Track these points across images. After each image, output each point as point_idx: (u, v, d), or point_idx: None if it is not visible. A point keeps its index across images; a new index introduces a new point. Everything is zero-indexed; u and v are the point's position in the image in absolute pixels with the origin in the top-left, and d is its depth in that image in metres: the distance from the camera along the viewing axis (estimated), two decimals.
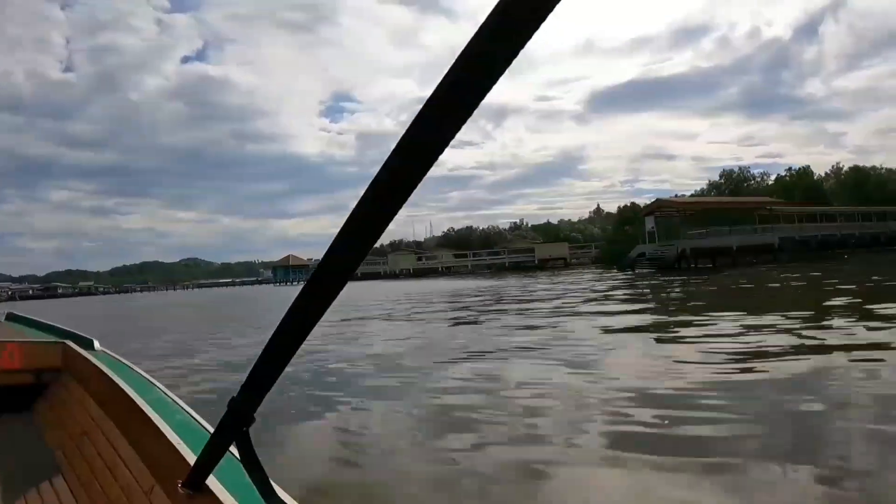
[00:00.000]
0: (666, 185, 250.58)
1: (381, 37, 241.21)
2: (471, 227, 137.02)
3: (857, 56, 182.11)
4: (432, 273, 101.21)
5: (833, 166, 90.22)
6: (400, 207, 0.92)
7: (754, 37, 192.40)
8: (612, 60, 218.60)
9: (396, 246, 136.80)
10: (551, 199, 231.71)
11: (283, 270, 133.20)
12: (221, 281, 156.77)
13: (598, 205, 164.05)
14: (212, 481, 1.43)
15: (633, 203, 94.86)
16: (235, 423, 1.24)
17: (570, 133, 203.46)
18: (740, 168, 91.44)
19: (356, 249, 0.95)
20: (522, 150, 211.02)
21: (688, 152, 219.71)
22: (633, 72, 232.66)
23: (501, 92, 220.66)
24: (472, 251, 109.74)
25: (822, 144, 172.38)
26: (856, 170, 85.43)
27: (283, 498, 1.32)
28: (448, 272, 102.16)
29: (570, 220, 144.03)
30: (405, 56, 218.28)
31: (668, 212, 65.05)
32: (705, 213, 63.77)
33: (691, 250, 54.96)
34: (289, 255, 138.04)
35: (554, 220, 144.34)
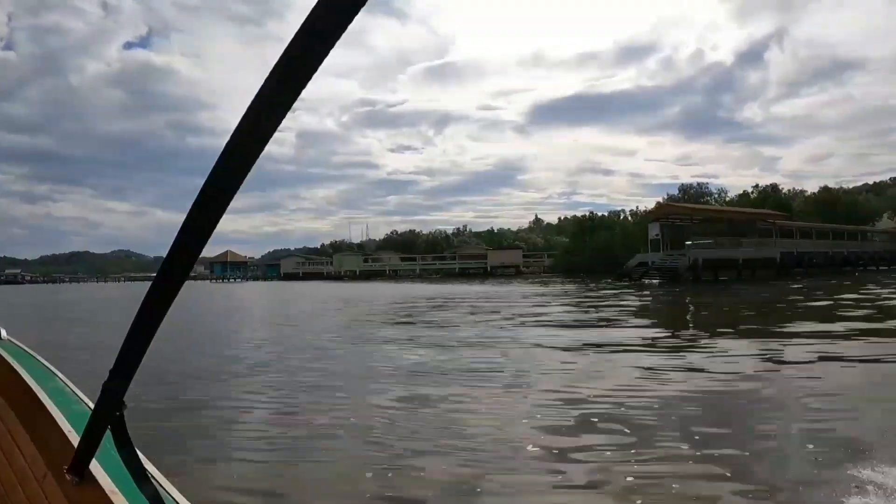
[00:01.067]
0: (603, 200, 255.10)
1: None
2: (414, 230, 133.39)
3: (796, 84, 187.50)
4: (378, 276, 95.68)
5: (768, 186, 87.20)
6: (236, 191, 0.93)
7: (698, 59, 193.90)
8: (559, 74, 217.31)
9: (338, 247, 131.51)
10: (488, 208, 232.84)
11: (221, 266, 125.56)
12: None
13: (537, 215, 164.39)
14: (95, 466, 1.41)
15: (591, 212, 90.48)
16: (108, 409, 1.26)
17: (511, 143, 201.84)
18: (699, 184, 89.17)
19: (200, 235, 0.97)
20: (463, 158, 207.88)
21: (625, 168, 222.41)
22: (578, 86, 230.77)
23: (446, 99, 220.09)
24: (420, 255, 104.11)
25: (756, 168, 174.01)
26: (826, 190, 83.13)
27: (159, 481, 1.38)
28: (395, 275, 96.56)
29: (509, 228, 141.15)
30: (350, 57, 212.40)
31: (675, 218, 60.32)
32: (709, 222, 59.79)
33: (703, 261, 50.39)
34: (227, 252, 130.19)
35: (485, 229, 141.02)
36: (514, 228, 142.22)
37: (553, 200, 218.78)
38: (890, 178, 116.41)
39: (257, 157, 0.88)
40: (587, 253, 78.34)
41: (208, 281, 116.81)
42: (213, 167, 0.90)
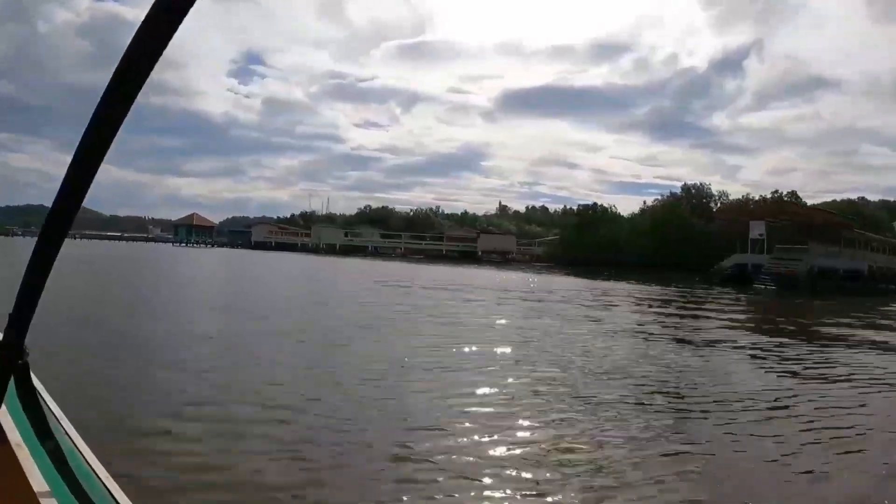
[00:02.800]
0: (565, 193, 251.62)
1: (307, 2, 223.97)
2: (387, 206, 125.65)
3: (766, 97, 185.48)
4: (359, 252, 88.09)
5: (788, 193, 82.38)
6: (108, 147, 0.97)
7: (672, 63, 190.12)
8: (531, 63, 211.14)
9: (309, 218, 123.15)
10: (450, 191, 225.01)
11: (186, 229, 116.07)
12: (110, 234, 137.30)
13: (500, 202, 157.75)
14: (3, 415, 1.36)
15: (595, 203, 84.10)
16: (8, 357, 1.24)
17: (477, 128, 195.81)
18: (700, 183, 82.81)
19: (83, 183, 1.00)
20: (428, 139, 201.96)
21: (590, 164, 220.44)
22: (549, 78, 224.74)
23: (416, 78, 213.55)
24: (406, 233, 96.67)
25: (718, 175, 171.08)
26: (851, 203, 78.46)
27: (69, 433, 1.34)
28: (376, 253, 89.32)
29: (474, 213, 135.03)
30: (325, 27, 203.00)
31: (783, 218, 52.94)
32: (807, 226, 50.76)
33: (822, 270, 43.61)
34: (193, 214, 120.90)
35: (449, 212, 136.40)
36: (480, 213, 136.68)
37: (515, 189, 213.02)
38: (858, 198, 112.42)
39: (131, 103, 0.90)
40: (589, 246, 72.36)
41: (171, 245, 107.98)
42: (92, 117, 0.91)
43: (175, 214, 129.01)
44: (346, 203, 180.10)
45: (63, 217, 1.03)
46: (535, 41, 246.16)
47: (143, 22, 0.86)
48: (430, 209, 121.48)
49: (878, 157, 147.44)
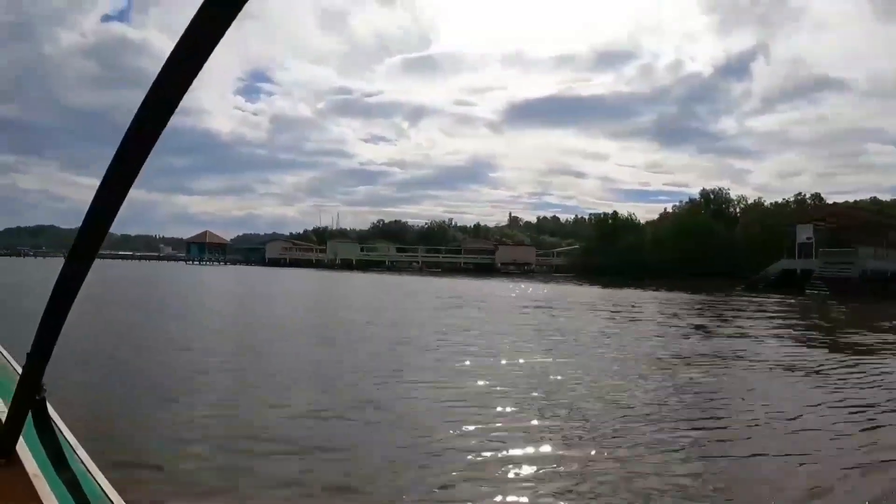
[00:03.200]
0: (573, 202, 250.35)
1: (309, 15, 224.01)
2: (399, 220, 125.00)
3: (771, 100, 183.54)
4: (376, 267, 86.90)
5: (811, 196, 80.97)
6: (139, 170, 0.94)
7: (676, 69, 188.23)
8: (535, 74, 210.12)
9: (322, 234, 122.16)
10: (458, 204, 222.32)
11: (199, 247, 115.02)
12: (122, 253, 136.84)
13: (511, 213, 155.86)
14: (22, 447, 1.41)
15: (615, 212, 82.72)
16: (28, 393, 1.28)
17: (483, 140, 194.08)
18: (719, 188, 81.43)
19: (105, 219, 0.98)
20: (435, 152, 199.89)
21: (597, 172, 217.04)
22: (553, 88, 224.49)
23: (421, 91, 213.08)
24: (420, 246, 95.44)
25: (727, 179, 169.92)
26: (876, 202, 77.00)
27: (85, 463, 1.38)
28: (393, 267, 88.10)
29: (486, 225, 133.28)
30: (328, 41, 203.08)
31: (831, 221, 50.88)
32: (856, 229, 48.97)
33: (873, 273, 41.81)
34: (205, 232, 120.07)
35: (460, 224, 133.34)
36: (490, 225, 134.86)
37: (523, 200, 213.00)
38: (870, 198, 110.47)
39: (163, 128, 0.88)
40: (612, 255, 70.95)
41: (184, 263, 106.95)
42: (122, 142, 0.90)
43: (184, 233, 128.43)
44: (355, 218, 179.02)
45: (87, 247, 1.01)
46: (538, 51, 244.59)
47: (174, 48, 0.82)
48: (443, 222, 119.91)
49: (884, 157, 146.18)
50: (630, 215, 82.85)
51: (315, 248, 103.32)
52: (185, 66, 0.84)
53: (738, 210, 79.75)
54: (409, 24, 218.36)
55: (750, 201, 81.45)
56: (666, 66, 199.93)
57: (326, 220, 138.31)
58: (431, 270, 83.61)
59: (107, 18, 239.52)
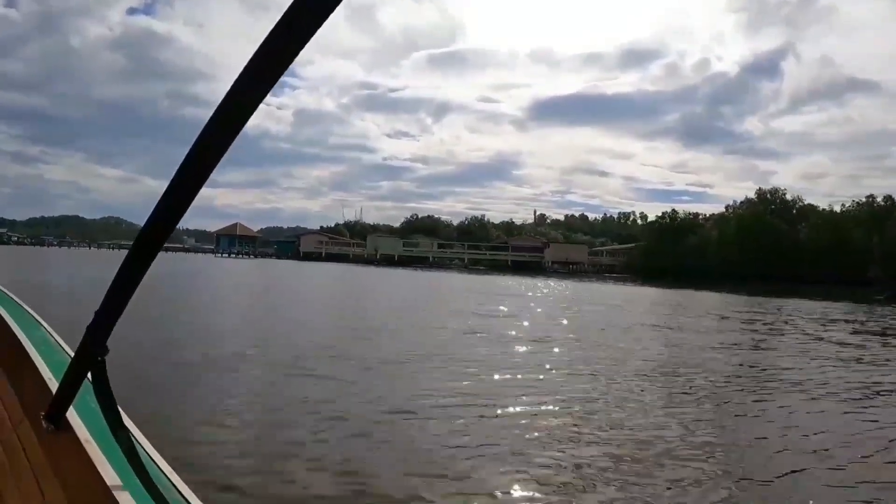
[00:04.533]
0: (596, 201, 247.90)
1: (337, 9, 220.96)
2: (432, 216, 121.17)
3: (797, 101, 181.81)
4: (418, 263, 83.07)
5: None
6: (217, 162, 0.97)
7: (702, 69, 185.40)
8: (561, 71, 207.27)
9: (352, 227, 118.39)
10: (480, 201, 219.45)
11: (229, 240, 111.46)
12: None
13: (536, 211, 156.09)
14: (72, 415, 1.41)
15: (672, 210, 78.88)
16: (90, 353, 1.25)
17: (508, 137, 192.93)
18: (775, 188, 77.28)
19: (186, 194, 1.00)
20: (459, 148, 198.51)
21: (621, 171, 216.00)
22: (579, 86, 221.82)
23: (446, 87, 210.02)
24: (465, 242, 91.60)
25: (751, 181, 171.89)
26: None
27: (132, 431, 1.35)
28: (436, 264, 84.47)
29: (510, 221, 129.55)
30: (355, 36, 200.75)
31: None
32: None
33: None
34: (236, 224, 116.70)
35: (510, 220, 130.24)
36: (517, 223, 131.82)
37: (546, 198, 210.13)
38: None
39: (239, 131, 0.90)
40: (674, 256, 67.22)
41: (213, 255, 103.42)
42: (200, 135, 0.92)
43: (207, 225, 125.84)
44: (378, 213, 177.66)
45: (173, 208, 1.00)
46: (565, 49, 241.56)
47: (254, 54, 0.83)
48: (479, 217, 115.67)
49: None
50: (688, 214, 78.90)
51: (352, 243, 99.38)
52: (265, 74, 0.84)
53: (794, 212, 75.47)
54: (437, 19, 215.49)
55: (805, 203, 77.06)
56: (692, 66, 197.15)
57: (350, 215, 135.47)
58: (475, 268, 79.96)
59: (132, 11, 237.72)
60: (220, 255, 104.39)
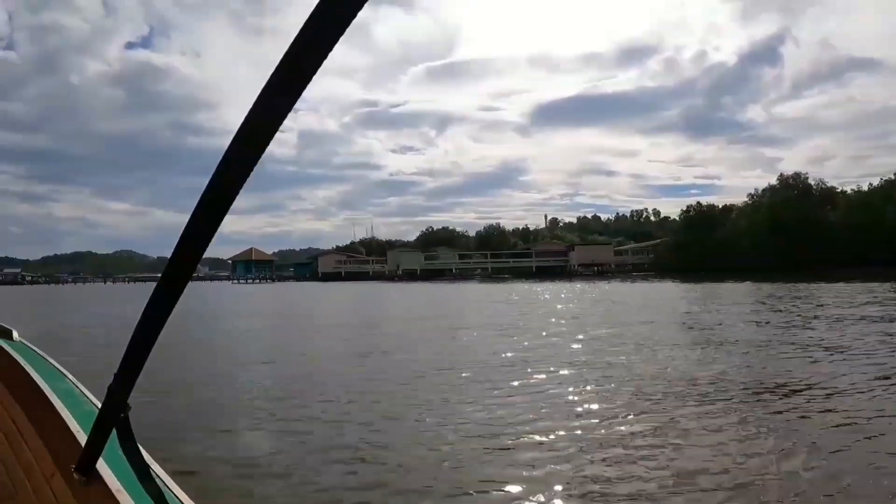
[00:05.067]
0: (605, 201, 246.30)
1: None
2: (446, 227, 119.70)
3: (798, 85, 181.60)
4: (440, 276, 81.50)
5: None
6: (238, 192, 0.93)
7: (700, 61, 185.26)
8: (560, 74, 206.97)
9: (369, 244, 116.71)
10: (489, 210, 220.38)
11: (244, 265, 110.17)
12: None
13: (546, 215, 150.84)
14: (102, 466, 1.43)
15: (698, 203, 76.72)
16: (113, 410, 1.29)
17: (511, 144, 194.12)
18: (797, 172, 74.70)
19: (203, 238, 0.97)
20: (464, 159, 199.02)
21: (627, 170, 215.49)
22: (579, 87, 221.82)
23: (447, 99, 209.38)
24: (484, 251, 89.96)
25: (758, 169, 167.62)
26: None
27: (164, 480, 1.39)
28: (459, 276, 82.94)
29: (524, 228, 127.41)
30: (352, 54, 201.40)
31: None
32: None
33: None
34: (251, 249, 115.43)
35: (526, 227, 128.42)
36: (529, 229, 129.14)
37: (555, 202, 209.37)
38: None
39: (259, 157, 0.88)
40: (701, 250, 65.67)
41: (230, 282, 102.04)
42: (217, 169, 0.90)
43: (219, 253, 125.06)
44: (389, 229, 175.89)
45: (181, 270, 1.00)
46: (562, 51, 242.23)
47: (272, 75, 0.81)
48: (497, 225, 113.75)
49: None
50: (712, 206, 77.05)
51: (372, 260, 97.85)
52: (282, 97, 0.82)
53: (817, 195, 73.31)
54: (433, 30, 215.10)
55: (827, 185, 74.87)
56: (690, 58, 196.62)
57: (360, 233, 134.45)
58: (500, 276, 78.35)
59: (130, 46, 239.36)
60: (236, 281, 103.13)
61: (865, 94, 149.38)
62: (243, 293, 59.36)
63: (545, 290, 44.28)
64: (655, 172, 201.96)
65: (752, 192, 79.04)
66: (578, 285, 51.19)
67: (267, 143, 0.86)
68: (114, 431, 1.31)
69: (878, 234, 58.05)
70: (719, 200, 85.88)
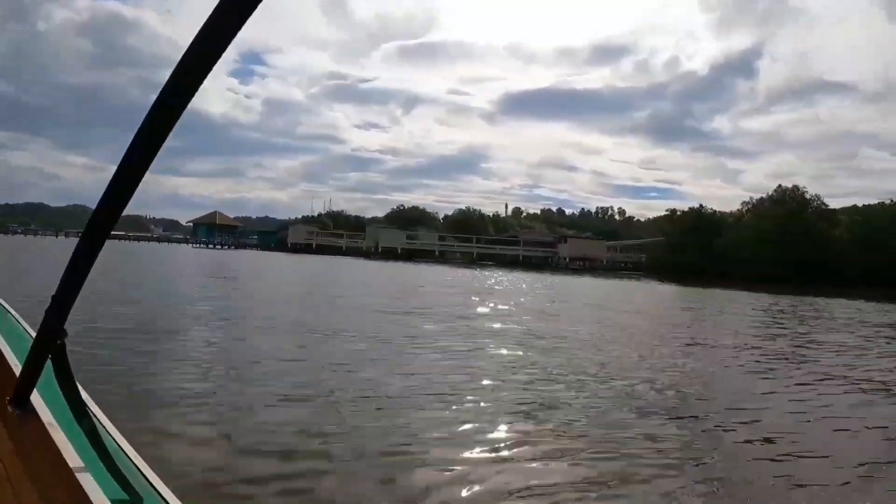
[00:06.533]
0: (565, 195, 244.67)
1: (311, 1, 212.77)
2: (416, 206, 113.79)
3: (766, 100, 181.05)
4: (422, 257, 76.51)
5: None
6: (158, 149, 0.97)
7: (673, 66, 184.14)
8: (534, 66, 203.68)
9: (336, 217, 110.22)
10: (450, 193, 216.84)
11: (207, 229, 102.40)
12: (114, 234, 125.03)
13: (507, 204, 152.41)
14: (36, 397, 1.42)
15: (700, 206, 73.42)
16: (48, 337, 1.27)
17: (477, 130, 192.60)
18: (795, 186, 71.83)
19: (138, 171, 0.99)
20: (428, 141, 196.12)
21: (590, 167, 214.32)
22: (550, 80, 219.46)
23: (416, 79, 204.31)
24: (474, 236, 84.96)
25: (718, 178, 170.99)
26: None
27: (96, 414, 1.39)
28: (443, 258, 78.14)
29: (495, 214, 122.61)
30: (327, 27, 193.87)
31: None
32: None
33: None
34: (215, 213, 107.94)
35: (497, 214, 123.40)
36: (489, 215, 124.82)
37: (515, 192, 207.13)
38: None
39: (183, 110, 0.90)
40: (699, 255, 62.64)
41: (190, 245, 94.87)
42: (145, 119, 0.92)
43: (175, 214, 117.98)
44: (348, 204, 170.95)
45: (122, 190, 1.01)
46: (537, 43, 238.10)
47: (201, 29, 0.82)
48: (472, 209, 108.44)
49: (880, 162, 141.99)
50: (713, 211, 73.95)
51: (345, 234, 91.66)
52: (204, 57, 0.84)
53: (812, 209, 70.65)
54: (412, 7, 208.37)
55: (821, 202, 72.32)
56: (663, 63, 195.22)
57: (318, 206, 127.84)
58: (484, 263, 73.71)
59: None
60: (196, 245, 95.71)
61: (833, 115, 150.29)
62: (210, 258, 53.21)
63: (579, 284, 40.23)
64: (617, 172, 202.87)
65: (747, 200, 76.57)
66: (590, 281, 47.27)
67: (188, 100, 0.87)
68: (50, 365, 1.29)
69: (882, 255, 55.79)
70: (681, 206, 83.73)
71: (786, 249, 59.72)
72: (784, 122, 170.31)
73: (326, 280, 32.05)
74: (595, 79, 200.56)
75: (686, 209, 75.06)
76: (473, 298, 23.07)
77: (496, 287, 32.81)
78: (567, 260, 76.31)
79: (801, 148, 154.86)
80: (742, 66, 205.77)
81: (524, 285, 35.82)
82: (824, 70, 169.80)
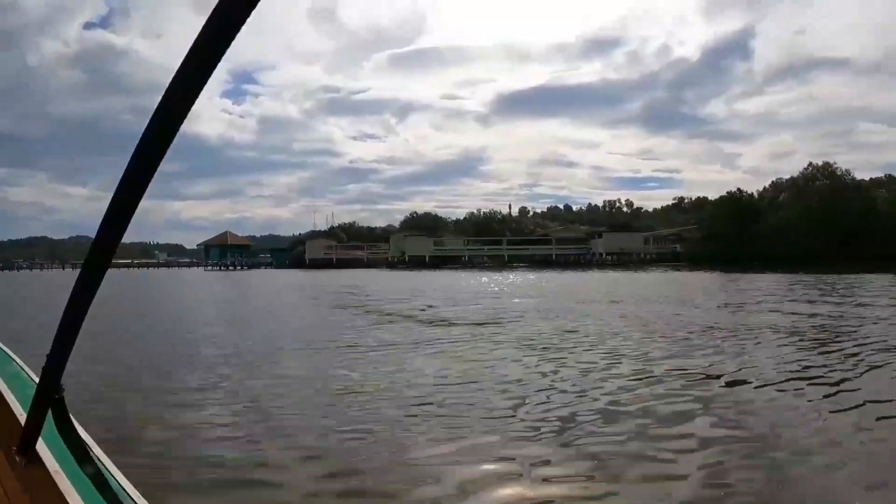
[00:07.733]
0: (565, 192, 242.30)
1: (300, 11, 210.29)
2: (429, 213, 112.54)
3: (760, 81, 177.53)
4: (451, 264, 73.53)
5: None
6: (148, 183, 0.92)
7: (664, 54, 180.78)
8: (528, 64, 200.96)
9: (347, 229, 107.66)
10: (449, 198, 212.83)
11: (219, 251, 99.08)
12: (119, 262, 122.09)
13: (511, 205, 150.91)
14: (42, 447, 1.43)
15: (738, 189, 71.09)
16: (48, 392, 1.30)
17: (473, 133, 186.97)
18: (825, 163, 69.37)
19: (120, 225, 0.97)
20: (425, 147, 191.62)
21: (588, 161, 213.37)
22: (543, 78, 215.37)
23: (410, 87, 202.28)
24: (506, 238, 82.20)
25: (718, 163, 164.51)
26: None
27: (102, 460, 1.39)
28: (471, 264, 75.40)
29: (510, 214, 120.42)
30: (317, 39, 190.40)
31: None
32: None
33: None
34: (226, 233, 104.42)
35: (509, 214, 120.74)
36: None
37: (515, 192, 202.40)
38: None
39: (175, 133, 0.86)
40: (747, 239, 60.00)
41: (203, 269, 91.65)
42: (134, 152, 0.89)
43: (176, 239, 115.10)
44: (350, 217, 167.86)
45: (102, 256, 1.01)
46: (526, 41, 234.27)
47: (190, 50, 0.79)
48: (493, 212, 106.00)
49: (876, 135, 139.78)
50: (750, 194, 71.34)
51: (365, 246, 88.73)
52: (192, 80, 0.81)
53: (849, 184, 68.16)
54: (401, 13, 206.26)
55: (853, 176, 70.00)
56: (654, 52, 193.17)
57: (320, 220, 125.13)
58: (513, 266, 70.95)
59: (89, 26, 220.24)
60: (210, 268, 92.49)
61: (829, 92, 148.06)
62: (246, 278, 50.04)
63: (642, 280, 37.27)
64: (614, 164, 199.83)
65: (775, 180, 74.12)
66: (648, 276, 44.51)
67: (179, 124, 0.85)
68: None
69: None
70: (677, 194, 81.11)
71: (832, 227, 57.48)
72: (779, 102, 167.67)
73: (435, 290, 28.53)
74: (588, 72, 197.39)
75: (724, 194, 72.39)
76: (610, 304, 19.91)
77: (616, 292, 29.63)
78: (603, 255, 73.61)
79: (798, 127, 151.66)
80: (734, 48, 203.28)
81: (617, 287, 32.72)
82: (816, 47, 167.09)
